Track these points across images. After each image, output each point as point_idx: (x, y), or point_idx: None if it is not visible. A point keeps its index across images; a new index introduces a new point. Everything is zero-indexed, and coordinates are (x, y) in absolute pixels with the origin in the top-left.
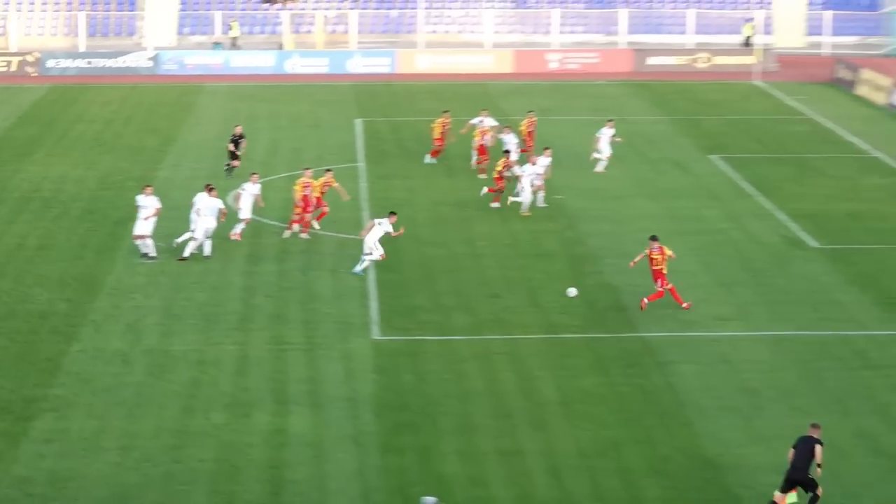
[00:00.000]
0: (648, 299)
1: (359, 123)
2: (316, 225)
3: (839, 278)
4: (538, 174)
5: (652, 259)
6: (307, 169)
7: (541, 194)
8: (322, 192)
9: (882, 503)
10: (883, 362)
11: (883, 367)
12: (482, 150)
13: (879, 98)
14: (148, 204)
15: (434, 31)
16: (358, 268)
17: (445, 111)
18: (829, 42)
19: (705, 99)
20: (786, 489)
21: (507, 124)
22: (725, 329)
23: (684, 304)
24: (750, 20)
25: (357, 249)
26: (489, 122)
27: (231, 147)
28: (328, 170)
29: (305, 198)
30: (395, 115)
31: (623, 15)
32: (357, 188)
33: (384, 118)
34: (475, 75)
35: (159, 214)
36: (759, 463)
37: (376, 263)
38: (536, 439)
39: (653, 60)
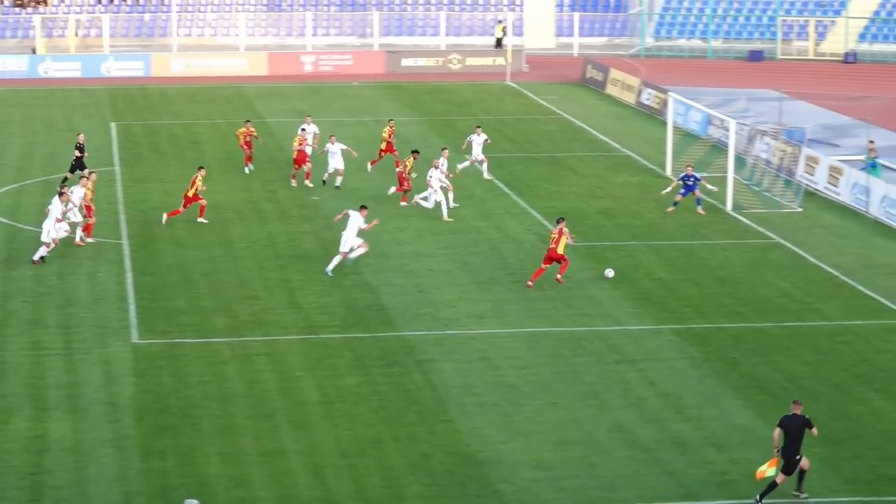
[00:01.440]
0: (557, 278)
1: (114, 127)
2: (203, 220)
3: (592, 275)
4: (441, 176)
5: (551, 236)
6: (92, 172)
7: (450, 195)
8: (197, 190)
9: (638, 495)
10: (637, 356)
11: (637, 361)
12: (301, 155)
13: (629, 97)
14: None
15: (188, 35)
16: (330, 266)
17: (248, 121)
18: (578, 43)
19: (458, 99)
20: (787, 470)
21: (332, 133)
22: (483, 327)
23: (531, 283)
24: (501, 22)
25: (114, 253)
26: (312, 128)
27: (77, 154)
28: (200, 168)
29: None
30: (150, 118)
31: (376, 17)
32: (113, 192)
33: (139, 122)
34: (230, 78)
35: None
36: (518, 458)
37: (133, 267)
38: (298, 439)
39: (406, 62)
